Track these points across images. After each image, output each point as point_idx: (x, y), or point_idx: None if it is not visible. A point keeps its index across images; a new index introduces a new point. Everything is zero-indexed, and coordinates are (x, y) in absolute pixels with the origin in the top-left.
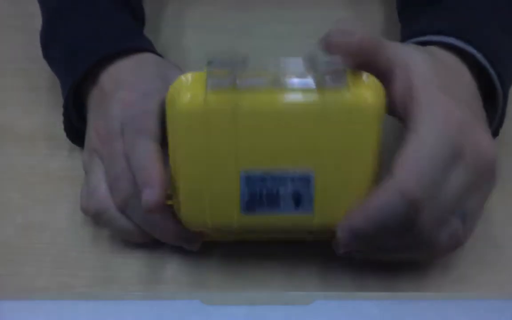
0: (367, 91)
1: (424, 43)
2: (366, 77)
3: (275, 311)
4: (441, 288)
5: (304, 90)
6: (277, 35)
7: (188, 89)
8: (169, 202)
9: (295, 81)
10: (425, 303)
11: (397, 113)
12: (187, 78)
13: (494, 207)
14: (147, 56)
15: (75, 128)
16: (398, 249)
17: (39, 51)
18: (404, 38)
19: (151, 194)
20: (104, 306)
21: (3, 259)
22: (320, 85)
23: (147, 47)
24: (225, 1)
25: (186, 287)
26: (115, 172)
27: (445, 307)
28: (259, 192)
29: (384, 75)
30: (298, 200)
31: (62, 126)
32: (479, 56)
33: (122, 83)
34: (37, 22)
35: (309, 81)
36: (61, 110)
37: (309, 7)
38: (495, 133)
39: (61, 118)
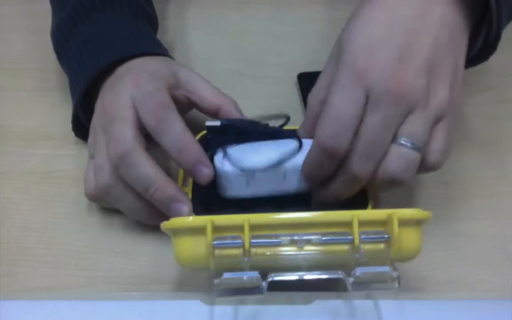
0: None
1: None
2: None
3: (275, 311)
4: (441, 288)
5: None
6: (277, 35)
7: None
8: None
9: None
10: (425, 303)
11: None
12: None
13: (495, 207)
14: (160, 57)
15: (81, 123)
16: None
17: (39, 52)
18: None
19: (207, 172)
20: (104, 306)
21: (3, 259)
22: None
23: (164, 52)
24: (226, 1)
25: (186, 287)
26: (112, 131)
27: (445, 307)
28: None
29: None
30: None
31: (61, 126)
32: None
33: (133, 68)
34: (38, 23)
35: None
36: (62, 110)
37: (308, 7)
38: (481, 57)
39: (61, 118)
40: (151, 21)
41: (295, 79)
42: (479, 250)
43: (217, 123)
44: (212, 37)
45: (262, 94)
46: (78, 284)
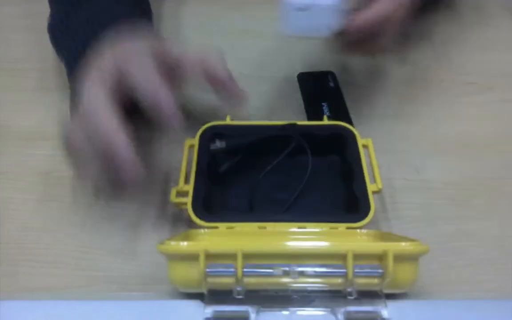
0: None
1: None
2: None
3: (275, 311)
4: (441, 288)
5: None
6: (277, 35)
7: None
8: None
9: None
10: (425, 303)
11: None
12: None
13: (495, 207)
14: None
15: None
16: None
17: (39, 52)
18: None
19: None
20: (104, 306)
21: (3, 259)
22: None
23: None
24: (226, 1)
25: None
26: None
27: (445, 307)
28: None
29: None
30: None
31: (61, 126)
32: None
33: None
34: (37, 23)
35: None
36: (62, 110)
37: None
38: None
39: (60, 119)
40: (146, 14)
41: (295, 79)
42: (479, 250)
43: (222, 145)
44: (212, 37)
45: (262, 94)
46: (78, 284)
